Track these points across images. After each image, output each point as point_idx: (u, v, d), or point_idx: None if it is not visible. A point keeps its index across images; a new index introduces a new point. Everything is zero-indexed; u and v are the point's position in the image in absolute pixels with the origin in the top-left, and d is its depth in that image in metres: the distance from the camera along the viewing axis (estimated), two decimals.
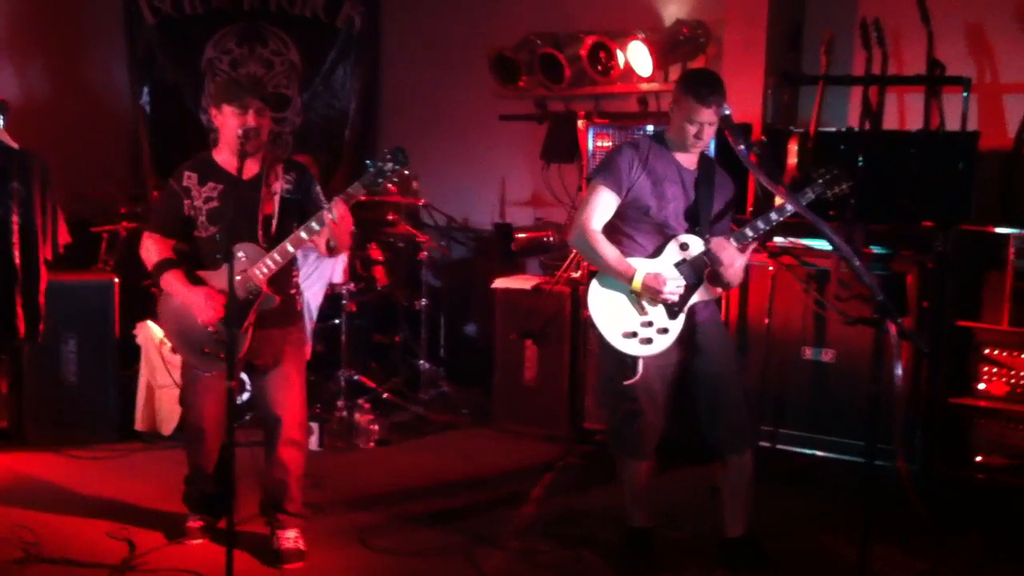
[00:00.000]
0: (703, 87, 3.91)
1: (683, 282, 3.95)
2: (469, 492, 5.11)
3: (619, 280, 3.98)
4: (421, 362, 6.65)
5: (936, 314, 4.94)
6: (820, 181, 4.00)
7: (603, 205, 4.01)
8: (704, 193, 4.07)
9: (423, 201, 6.74)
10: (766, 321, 5.26)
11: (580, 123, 5.89)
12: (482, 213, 7.32)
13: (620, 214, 4.04)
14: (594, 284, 4.04)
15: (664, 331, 3.98)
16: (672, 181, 4.03)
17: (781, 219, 3.95)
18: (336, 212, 3.91)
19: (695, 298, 4.03)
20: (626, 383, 3.99)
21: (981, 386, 4.86)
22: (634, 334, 3.97)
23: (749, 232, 3.96)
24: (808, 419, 5.23)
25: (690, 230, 4.04)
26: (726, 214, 4.17)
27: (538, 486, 5.17)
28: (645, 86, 6.36)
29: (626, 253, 4.01)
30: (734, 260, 3.94)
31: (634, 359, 3.98)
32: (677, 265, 3.99)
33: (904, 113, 5.70)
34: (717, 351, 4.10)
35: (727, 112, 3.92)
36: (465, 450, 5.83)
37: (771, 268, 5.21)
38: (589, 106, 6.59)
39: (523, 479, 5.29)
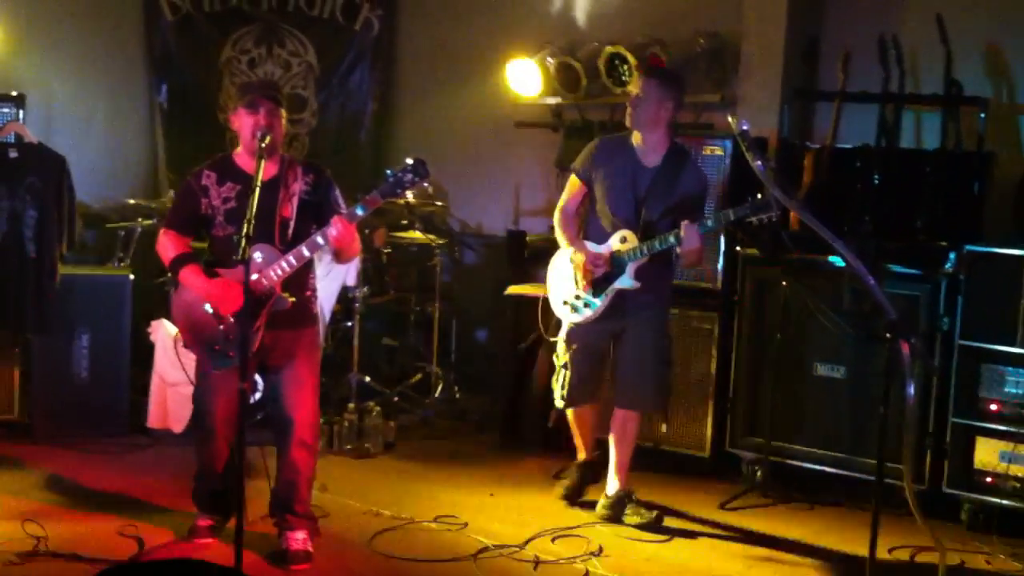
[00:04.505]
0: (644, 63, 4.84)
1: (601, 263, 4.57)
2: (476, 498, 5.11)
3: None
4: (431, 367, 6.66)
5: (947, 334, 4.94)
6: (748, 204, 4.36)
7: (573, 191, 4.81)
8: (659, 190, 4.56)
9: (437, 205, 6.75)
10: (778, 336, 5.25)
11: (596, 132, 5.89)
12: (495, 220, 7.32)
13: (589, 202, 4.75)
14: (557, 257, 4.85)
15: (588, 305, 4.69)
16: (621, 175, 4.61)
17: (752, 215, 4.35)
18: (335, 229, 3.98)
19: (624, 284, 4.59)
20: (551, 339, 4.95)
21: (992, 407, 4.85)
22: (565, 302, 4.77)
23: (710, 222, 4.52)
24: (818, 435, 5.23)
25: (632, 225, 4.57)
26: (682, 212, 4.52)
27: (545, 494, 5.17)
28: None
29: (589, 238, 4.72)
30: (693, 244, 4.42)
31: (559, 320, 4.86)
32: (612, 254, 4.60)
33: (920, 132, 5.70)
34: (640, 335, 4.72)
35: (745, 127, 3.91)
36: (473, 456, 5.84)
37: (784, 283, 5.21)
38: (605, 115, 6.59)
39: (530, 487, 5.31)
